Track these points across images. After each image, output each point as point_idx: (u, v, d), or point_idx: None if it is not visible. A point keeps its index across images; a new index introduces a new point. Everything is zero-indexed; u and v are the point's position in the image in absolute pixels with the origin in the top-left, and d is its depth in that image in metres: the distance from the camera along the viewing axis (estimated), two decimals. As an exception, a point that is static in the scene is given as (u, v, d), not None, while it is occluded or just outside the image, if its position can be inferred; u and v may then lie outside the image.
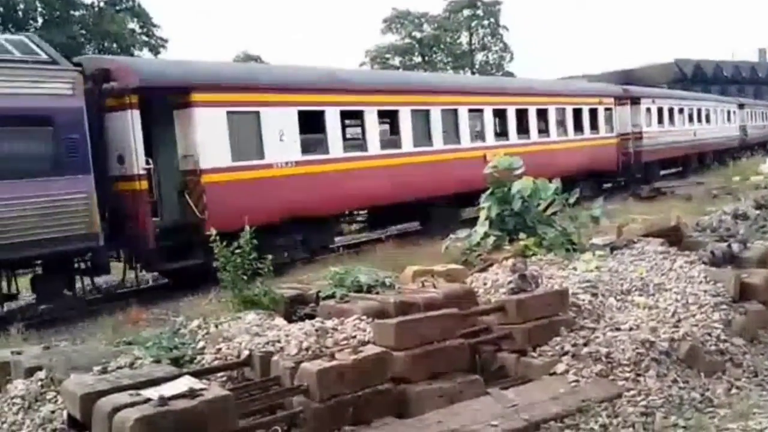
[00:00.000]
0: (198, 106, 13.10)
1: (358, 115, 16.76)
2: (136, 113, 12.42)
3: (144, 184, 12.40)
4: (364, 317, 6.28)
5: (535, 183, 9.86)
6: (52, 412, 5.26)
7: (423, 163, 17.65)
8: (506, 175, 10.15)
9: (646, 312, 6.85)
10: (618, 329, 6.34)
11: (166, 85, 13.11)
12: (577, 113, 24.73)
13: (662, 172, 31.61)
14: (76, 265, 12.21)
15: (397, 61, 62.92)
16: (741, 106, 44.06)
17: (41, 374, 5.70)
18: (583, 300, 6.94)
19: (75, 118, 11.55)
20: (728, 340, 6.63)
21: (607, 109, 26.59)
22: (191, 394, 4.46)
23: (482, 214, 9.90)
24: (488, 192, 10.11)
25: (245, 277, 7.48)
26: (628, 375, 5.74)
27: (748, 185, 20.30)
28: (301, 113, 14.95)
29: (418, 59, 63.57)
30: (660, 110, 30.45)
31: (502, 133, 21.38)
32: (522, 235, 9.25)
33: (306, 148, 15.07)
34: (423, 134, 18.21)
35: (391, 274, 7.99)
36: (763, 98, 63.81)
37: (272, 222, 13.22)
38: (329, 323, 6.28)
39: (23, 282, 12.58)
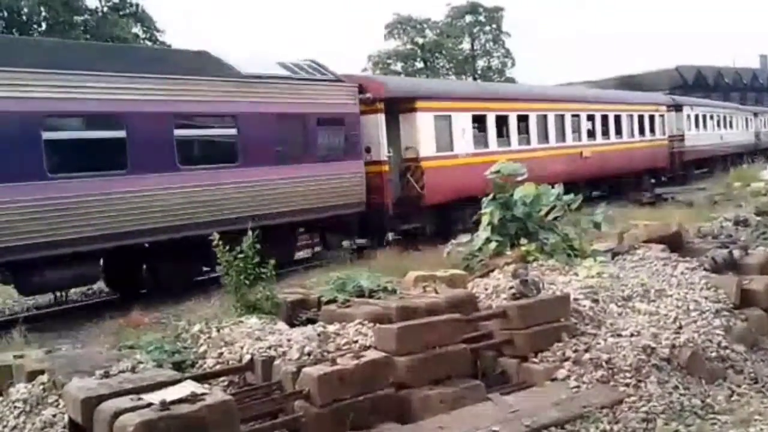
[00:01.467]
0: (419, 111, 17.92)
1: (504, 119, 21.27)
2: (382, 116, 17.06)
3: (386, 168, 16.92)
4: (366, 322, 6.29)
5: (537, 189, 9.87)
6: (54, 416, 5.26)
7: (544, 157, 21.70)
8: (510, 180, 10.17)
9: (647, 318, 6.87)
10: (619, 335, 6.36)
11: (400, 96, 17.80)
12: (642, 119, 29.26)
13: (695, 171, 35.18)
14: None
15: (399, 66, 62.99)
16: (755, 114, 48.47)
17: (43, 378, 5.70)
18: (585, 306, 6.95)
19: (355, 120, 16.39)
20: (729, 347, 6.64)
21: (660, 116, 30.91)
22: (193, 398, 4.46)
23: (484, 220, 9.89)
24: (490, 197, 10.11)
25: (247, 282, 7.49)
26: (629, 381, 5.75)
27: (748, 192, 20.31)
28: (474, 117, 19.87)
29: (420, 65, 63.65)
30: (697, 117, 34.74)
31: (591, 134, 25.57)
32: (523, 241, 9.25)
33: (476, 144, 19.72)
34: (543, 134, 22.94)
35: (392, 279, 8.00)
36: (764, 105, 64.08)
37: (459, 198, 17.48)
38: (331, 328, 6.29)
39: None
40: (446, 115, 18.83)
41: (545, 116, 23.04)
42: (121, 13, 42.76)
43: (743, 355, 6.68)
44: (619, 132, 27.25)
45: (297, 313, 7.33)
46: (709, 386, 6.04)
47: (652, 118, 29.95)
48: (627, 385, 5.72)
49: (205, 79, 13.56)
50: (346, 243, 16.64)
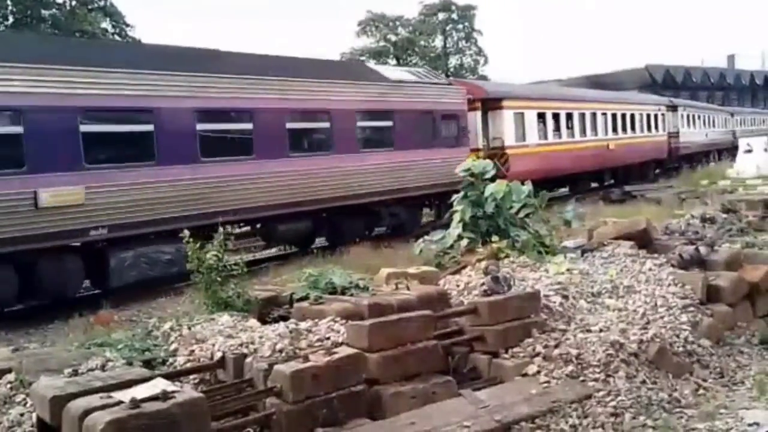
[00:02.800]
0: (505, 109, 22.77)
1: (555, 116, 26.12)
2: (479, 113, 22.18)
3: (481, 154, 20.14)
4: (338, 319, 6.30)
5: (508, 186, 9.93)
6: (21, 415, 5.21)
7: (583, 148, 27.05)
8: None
9: (616, 314, 6.96)
10: (588, 331, 6.43)
11: (493, 97, 22.86)
12: (649, 117, 34.59)
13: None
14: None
15: (371, 63, 62.88)
16: (732, 114, 53.24)
17: (10, 377, 5.64)
18: (555, 302, 7.02)
19: (464, 115, 21.00)
20: (695, 342, 6.76)
21: (662, 114, 36.21)
22: (164, 396, 4.43)
23: (456, 217, 9.94)
24: (461, 195, 10.16)
25: (219, 279, 7.45)
26: (598, 376, 5.82)
27: (715, 189, 20.62)
28: (537, 114, 24.64)
29: (392, 62, 63.61)
30: (689, 116, 40.06)
31: (613, 129, 30.30)
32: (495, 238, 9.31)
33: (539, 136, 24.57)
34: (582, 129, 27.74)
35: (365, 276, 8.02)
36: (731, 104, 65.49)
37: (533, 179, 20.92)
38: (303, 325, 6.28)
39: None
40: (521, 113, 23.63)
41: (583, 114, 27.93)
42: (89, 7, 42.12)
43: (709, 350, 6.80)
44: (633, 128, 32.28)
45: (269, 311, 7.31)
46: (676, 380, 6.14)
47: (656, 116, 35.24)
48: (596, 380, 5.79)
49: (372, 84, 18.26)
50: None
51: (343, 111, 16.74)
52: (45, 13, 40.20)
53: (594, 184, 29.90)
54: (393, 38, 64.10)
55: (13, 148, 10.97)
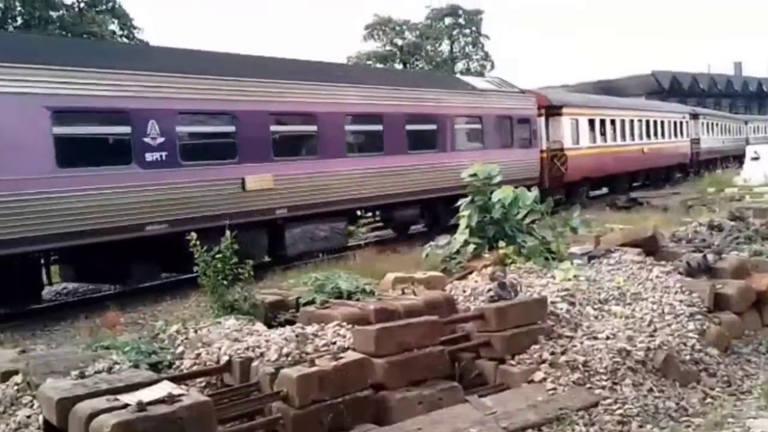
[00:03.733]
0: (563, 116, 25.82)
1: (602, 122, 29.13)
2: (543, 119, 25.00)
3: (545, 155, 24.53)
4: (345, 324, 6.28)
5: (514, 192, 9.92)
6: (28, 417, 5.21)
7: (623, 152, 30.12)
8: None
9: (623, 321, 6.94)
10: (595, 338, 6.41)
11: (554, 104, 25.82)
12: (676, 124, 37.68)
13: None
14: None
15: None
16: (746, 122, 56.55)
17: (17, 378, 5.64)
18: (561, 309, 7.01)
19: (535, 120, 24.15)
20: (703, 350, 6.73)
21: (686, 122, 39.22)
22: (170, 399, 4.43)
23: (462, 222, 9.93)
24: (468, 200, 10.15)
25: (225, 282, 7.45)
26: (604, 384, 5.80)
27: (722, 197, 20.58)
28: (588, 120, 27.69)
29: (399, 66, 63.66)
30: (708, 124, 43.63)
31: (647, 134, 33.43)
32: (501, 244, 9.29)
33: (590, 140, 27.62)
34: (622, 134, 30.94)
35: (371, 280, 8.00)
36: (738, 111, 65.57)
37: (581, 178, 26.54)
38: (309, 329, 6.28)
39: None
40: (575, 119, 26.68)
41: (623, 121, 31.07)
42: (97, 9, 42.26)
43: (716, 359, 6.78)
44: (663, 134, 35.37)
45: (275, 315, 7.30)
46: (683, 389, 6.12)
47: (681, 124, 38.29)
48: (603, 387, 5.77)
49: (462, 92, 21.56)
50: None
51: (446, 115, 20.17)
52: (53, 14, 40.37)
53: (634, 184, 33.45)
54: (399, 42, 64.15)
55: (229, 143, 14.17)
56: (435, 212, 19.61)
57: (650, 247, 9.33)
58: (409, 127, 18.62)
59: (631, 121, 31.70)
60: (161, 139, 12.77)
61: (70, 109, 11.69)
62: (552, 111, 25.34)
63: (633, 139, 31.55)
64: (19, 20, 39.33)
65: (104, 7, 42.67)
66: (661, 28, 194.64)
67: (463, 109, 20.90)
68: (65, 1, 41.37)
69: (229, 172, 13.97)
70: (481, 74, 65.53)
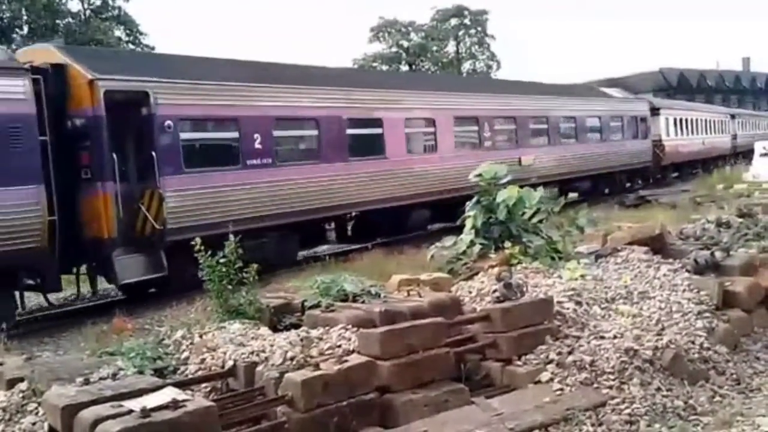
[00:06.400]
0: (661, 115, 33.71)
1: (684, 121, 37.34)
2: (658, 117, 33.33)
3: (650, 144, 31.98)
4: (350, 326, 6.25)
5: (520, 192, 9.87)
6: (34, 424, 5.21)
7: (695, 143, 38.69)
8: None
9: (630, 320, 6.88)
10: (602, 338, 6.37)
11: (655, 107, 33.74)
12: (720, 123, 45.45)
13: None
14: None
15: (383, 69, 62.92)
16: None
17: (23, 385, 5.64)
18: (568, 308, 6.95)
19: (648, 118, 32.14)
20: (711, 348, 6.68)
21: (727, 121, 47.42)
22: (174, 405, 4.43)
23: (468, 223, 9.88)
24: (474, 200, 10.11)
25: (230, 287, 7.43)
26: (612, 383, 5.76)
27: (731, 193, 20.46)
28: (675, 119, 35.84)
29: (405, 68, 63.67)
30: (743, 122, 52.18)
31: (706, 131, 41.18)
32: (507, 244, 9.24)
33: (677, 134, 35.83)
34: (695, 130, 39.03)
35: (376, 282, 7.97)
36: (746, 107, 65.30)
37: (672, 162, 35.53)
38: (314, 333, 6.25)
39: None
40: (667, 118, 34.60)
41: (694, 119, 39.00)
42: (103, 16, 42.45)
43: (725, 357, 6.72)
44: (714, 131, 43.15)
45: (280, 318, 7.29)
46: (691, 387, 6.07)
47: (723, 122, 46.03)
48: (610, 387, 5.74)
49: (610, 100, 30.96)
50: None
51: (602, 117, 28.22)
52: (59, 23, 40.57)
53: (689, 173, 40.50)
54: (405, 44, 64.15)
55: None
56: (603, 183, 28.34)
57: (658, 245, 9.25)
58: (583, 123, 26.65)
59: (697, 120, 39.67)
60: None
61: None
62: (653, 112, 33.07)
63: (698, 134, 39.58)
64: (26, 29, 39.54)
65: (110, 14, 42.87)
66: (670, 25, 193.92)
67: (611, 111, 29.28)
68: (71, 9, 41.60)
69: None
70: (487, 75, 65.63)
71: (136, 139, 13.20)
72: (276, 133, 14.97)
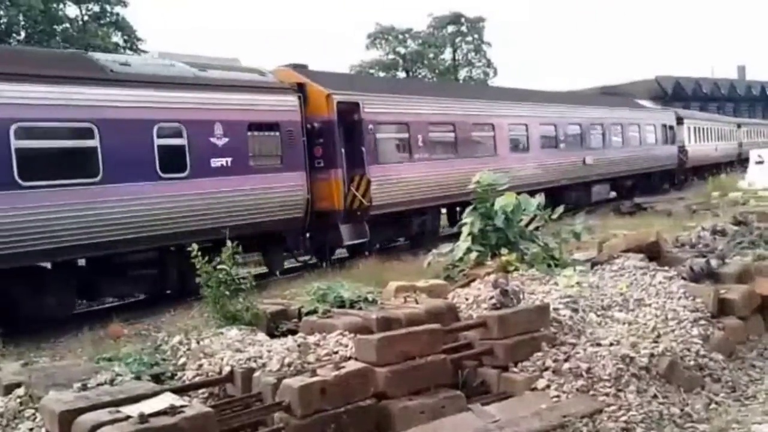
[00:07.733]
0: (684, 124, 38.01)
1: (700, 129, 41.66)
2: (682, 126, 38.19)
3: (676, 149, 36.98)
4: (347, 333, 6.27)
5: (517, 199, 9.91)
6: (31, 429, 5.20)
7: (709, 149, 43.32)
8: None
9: (627, 327, 6.91)
10: (598, 345, 6.39)
11: (680, 116, 38.26)
12: (729, 131, 49.35)
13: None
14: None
15: (380, 76, 63.01)
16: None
17: (20, 391, 5.64)
18: (564, 315, 6.97)
19: (674, 127, 36.74)
20: (707, 356, 6.70)
21: (735, 130, 51.86)
22: (172, 411, 4.44)
23: (465, 230, 9.90)
24: (471, 207, 10.14)
25: (227, 293, 7.45)
26: (608, 390, 5.77)
27: (726, 201, 20.53)
28: (694, 127, 40.21)
29: (402, 74, 63.81)
30: (748, 131, 56.06)
31: (717, 138, 45.49)
32: (504, 251, 9.27)
33: (695, 140, 40.09)
34: (719, 137, 45.38)
35: (373, 289, 7.99)
36: (741, 115, 65.78)
37: (693, 166, 39.67)
38: (311, 339, 6.27)
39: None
40: (689, 126, 38.71)
41: (708, 128, 43.28)
42: (101, 21, 42.48)
43: (721, 364, 6.74)
44: (723, 138, 47.18)
45: (277, 324, 7.30)
46: (687, 395, 6.08)
47: (731, 131, 50.42)
48: (606, 394, 5.74)
49: (645, 110, 35.17)
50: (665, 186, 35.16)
51: (640, 125, 32.54)
52: (56, 28, 40.56)
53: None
54: (402, 51, 64.29)
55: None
56: (642, 182, 32.54)
57: (653, 252, 9.28)
58: (627, 130, 30.87)
59: (711, 129, 44.16)
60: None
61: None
62: (678, 121, 37.38)
63: (712, 141, 43.81)
64: (23, 34, 39.53)
65: (108, 19, 42.89)
66: (665, 33, 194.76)
67: (647, 120, 33.62)
68: (69, 14, 41.60)
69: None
70: (483, 83, 65.84)
71: (349, 138, 16.92)
72: (431, 134, 19.45)
